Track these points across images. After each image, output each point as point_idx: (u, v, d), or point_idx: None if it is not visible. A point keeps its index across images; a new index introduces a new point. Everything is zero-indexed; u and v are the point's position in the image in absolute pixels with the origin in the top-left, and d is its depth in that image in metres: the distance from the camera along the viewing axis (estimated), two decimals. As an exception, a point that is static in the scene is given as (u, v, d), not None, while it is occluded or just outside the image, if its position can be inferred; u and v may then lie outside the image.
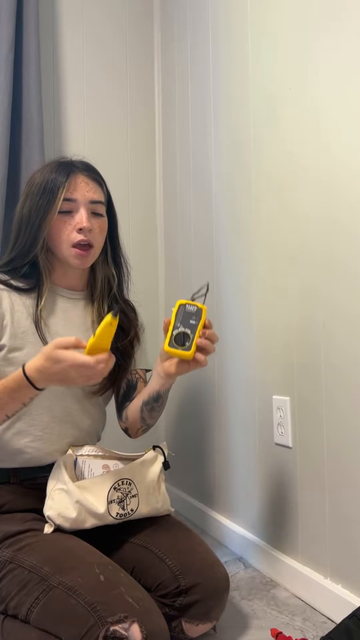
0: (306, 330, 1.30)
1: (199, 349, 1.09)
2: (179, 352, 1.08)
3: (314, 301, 1.27)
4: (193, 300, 1.11)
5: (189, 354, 1.08)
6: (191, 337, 1.08)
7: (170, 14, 2.04)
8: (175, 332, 1.08)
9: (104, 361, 0.99)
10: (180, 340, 1.08)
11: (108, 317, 0.98)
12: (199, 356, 1.08)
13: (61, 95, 1.99)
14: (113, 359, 1.02)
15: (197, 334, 1.08)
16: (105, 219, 1.25)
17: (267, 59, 1.44)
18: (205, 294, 1.11)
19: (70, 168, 1.20)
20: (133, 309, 1.38)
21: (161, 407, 1.26)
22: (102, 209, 1.23)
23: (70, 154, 1.30)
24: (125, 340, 1.29)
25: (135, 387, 1.32)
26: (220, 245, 1.69)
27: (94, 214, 1.22)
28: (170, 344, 1.08)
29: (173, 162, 2.02)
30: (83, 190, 1.20)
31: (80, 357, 0.98)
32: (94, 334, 0.99)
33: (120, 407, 1.33)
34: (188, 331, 1.08)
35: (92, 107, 2.03)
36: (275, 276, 1.42)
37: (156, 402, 1.23)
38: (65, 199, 1.18)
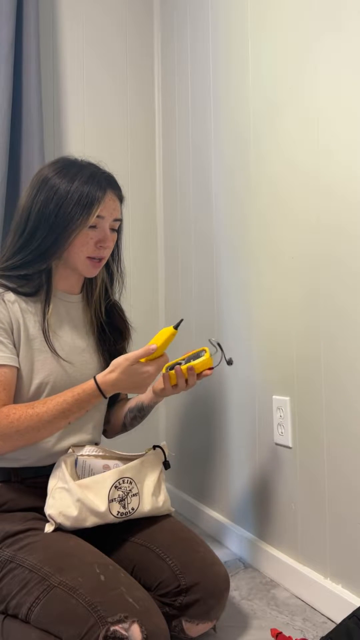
0: (306, 330, 1.30)
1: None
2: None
3: (315, 302, 1.27)
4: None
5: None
6: (183, 362, 1.21)
7: (170, 14, 2.04)
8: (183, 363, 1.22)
9: (163, 365, 1.17)
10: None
11: (171, 329, 1.14)
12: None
13: (61, 95, 1.99)
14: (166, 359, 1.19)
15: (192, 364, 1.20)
16: (116, 235, 1.27)
17: (267, 58, 1.44)
18: (223, 354, 1.23)
19: (103, 184, 1.20)
20: (122, 311, 1.40)
21: (141, 419, 1.36)
22: (118, 225, 1.26)
23: (77, 153, 1.30)
24: (124, 342, 1.36)
25: (119, 394, 1.38)
26: (220, 244, 1.68)
27: (112, 229, 1.25)
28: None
29: (173, 162, 2.02)
30: (110, 208, 1.21)
31: (153, 369, 1.13)
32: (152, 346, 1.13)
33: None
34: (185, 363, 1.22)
35: (92, 107, 2.03)
36: (275, 276, 1.42)
37: (139, 412, 1.33)
38: (97, 216, 1.19)
